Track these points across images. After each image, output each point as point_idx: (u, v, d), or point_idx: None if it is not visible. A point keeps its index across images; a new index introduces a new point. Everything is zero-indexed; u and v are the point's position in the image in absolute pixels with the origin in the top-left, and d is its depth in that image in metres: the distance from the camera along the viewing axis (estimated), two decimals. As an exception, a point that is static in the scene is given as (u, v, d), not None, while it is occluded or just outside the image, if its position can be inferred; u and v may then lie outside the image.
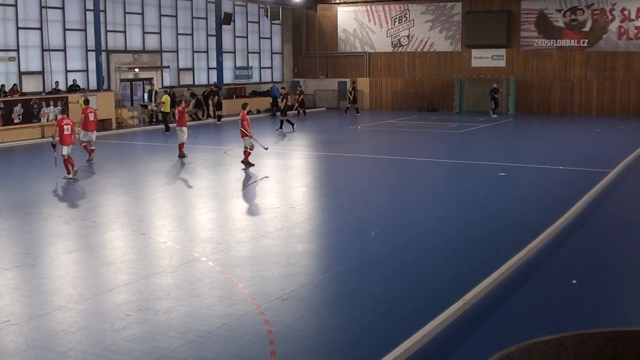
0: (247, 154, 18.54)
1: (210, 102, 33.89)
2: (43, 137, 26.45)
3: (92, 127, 20.18)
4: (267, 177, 17.67)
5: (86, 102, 21.31)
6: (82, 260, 10.23)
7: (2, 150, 23.55)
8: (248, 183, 17.08)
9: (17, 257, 10.19)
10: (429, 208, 13.92)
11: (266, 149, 19.54)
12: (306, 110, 36.37)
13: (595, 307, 8.33)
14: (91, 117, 20.36)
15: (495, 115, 34.81)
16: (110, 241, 11.38)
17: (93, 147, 20.09)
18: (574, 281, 9.10)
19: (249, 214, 13.65)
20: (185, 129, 20.76)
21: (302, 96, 36.46)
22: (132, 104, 33.13)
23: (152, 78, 33.69)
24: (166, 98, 29.12)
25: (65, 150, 17.02)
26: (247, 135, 18.55)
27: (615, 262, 10.29)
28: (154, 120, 31.68)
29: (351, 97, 36.90)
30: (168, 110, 28.99)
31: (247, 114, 19.46)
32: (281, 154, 22.77)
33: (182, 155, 20.46)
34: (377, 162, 21.03)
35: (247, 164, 18.46)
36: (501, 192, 15.71)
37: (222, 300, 8.34)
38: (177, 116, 20.89)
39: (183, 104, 21.70)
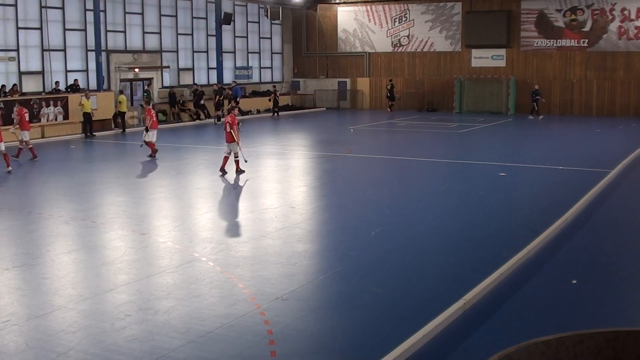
0: (237, 161, 17.49)
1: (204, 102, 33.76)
2: (43, 137, 26.46)
3: (27, 127, 20.79)
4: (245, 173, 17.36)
5: (21, 103, 21.81)
6: (82, 260, 10.23)
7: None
8: (243, 184, 17.09)
9: (17, 257, 10.19)
10: (429, 208, 13.91)
11: (246, 161, 17.93)
12: (279, 112, 36.61)
13: (595, 307, 8.32)
14: (27, 117, 20.96)
15: (532, 117, 33.83)
16: (110, 241, 11.38)
17: (30, 146, 20.65)
18: (574, 281, 9.10)
19: (249, 214, 13.65)
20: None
21: (274, 96, 36.71)
22: (132, 104, 33.11)
23: (152, 78, 33.71)
24: (122, 98, 28.91)
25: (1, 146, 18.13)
26: (235, 141, 17.40)
27: (615, 262, 10.29)
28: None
29: (390, 95, 38.26)
30: (125, 110, 28.87)
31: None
32: (281, 154, 22.78)
33: (154, 155, 20.51)
34: (377, 162, 21.03)
35: (241, 170, 17.45)
36: (501, 192, 15.71)
37: (222, 300, 8.34)
38: (151, 118, 20.73)
39: (151, 108, 21.51)
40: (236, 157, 17.50)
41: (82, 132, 27.46)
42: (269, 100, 37.06)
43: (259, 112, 37.67)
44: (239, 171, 17.44)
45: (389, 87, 38.89)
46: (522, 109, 36.97)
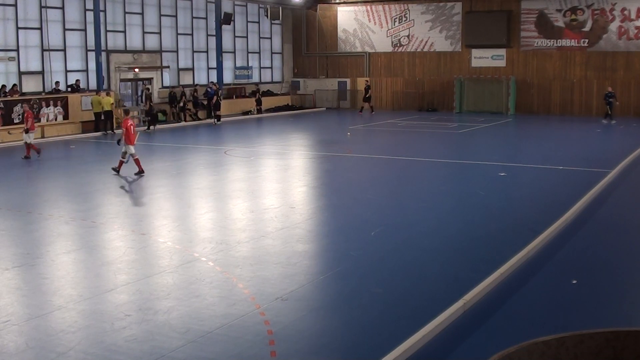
0: (121, 163, 17.58)
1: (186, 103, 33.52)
2: (43, 137, 26.47)
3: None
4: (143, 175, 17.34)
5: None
6: (82, 260, 10.22)
7: (2, 150, 23.54)
8: (133, 183, 17.06)
9: (17, 257, 10.19)
10: (429, 208, 13.91)
11: (126, 162, 17.82)
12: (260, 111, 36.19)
13: (595, 307, 8.32)
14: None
15: (605, 121, 31.30)
16: (110, 241, 11.38)
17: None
18: (574, 281, 9.10)
19: (249, 214, 13.65)
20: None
21: (259, 95, 36.93)
22: (132, 104, 33.13)
23: (152, 78, 33.72)
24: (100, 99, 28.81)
25: None
26: (132, 143, 17.43)
27: (615, 262, 10.29)
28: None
29: (367, 95, 37.98)
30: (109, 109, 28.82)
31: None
32: (281, 154, 22.78)
33: (28, 157, 20.49)
34: (377, 162, 21.02)
35: (117, 170, 17.54)
36: (501, 192, 15.70)
37: (222, 300, 8.34)
38: (32, 121, 20.82)
39: (31, 110, 21.64)
40: (135, 157, 17.49)
41: (102, 130, 28.01)
42: (255, 100, 37.24)
43: (259, 112, 37.70)
44: (142, 172, 17.39)
45: (367, 87, 38.32)
46: (522, 109, 36.99)
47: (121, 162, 17.59)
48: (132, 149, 17.41)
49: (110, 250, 10.72)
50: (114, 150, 24.53)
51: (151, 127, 29.30)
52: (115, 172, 17.59)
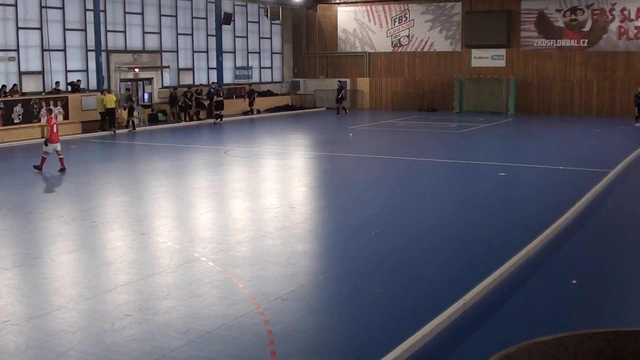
0: (44, 159, 17.99)
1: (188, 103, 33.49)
2: (43, 137, 26.47)
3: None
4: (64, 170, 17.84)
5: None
6: (82, 260, 10.22)
7: (2, 150, 23.53)
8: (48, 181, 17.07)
9: (17, 257, 10.19)
10: (429, 208, 13.91)
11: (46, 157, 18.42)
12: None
13: (595, 307, 8.32)
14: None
15: (639, 124, 30.00)
16: (110, 241, 11.38)
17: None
18: (574, 281, 9.10)
19: (249, 214, 13.65)
20: None
21: (255, 95, 36.81)
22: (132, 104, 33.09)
23: (152, 78, 33.73)
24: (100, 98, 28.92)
25: None
26: (55, 141, 18.00)
27: (615, 262, 10.29)
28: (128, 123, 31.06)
29: (339, 97, 37.60)
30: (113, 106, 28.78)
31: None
32: (281, 154, 22.78)
33: None
34: (377, 162, 21.02)
35: (41, 168, 17.96)
36: (501, 192, 15.70)
37: (222, 300, 8.34)
38: None
39: None
40: (60, 154, 18.09)
41: (108, 129, 28.08)
42: (250, 100, 37.26)
43: (258, 112, 37.70)
44: (64, 169, 18.02)
45: (340, 87, 37.96)
46: (522, 109, 36.99)
47: (43, 159, 18.02)
48: (58, 146, 18.02)
49: (110, 250, 10.72)
50: (114, 151, 24.57)
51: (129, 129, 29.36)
52: (37, 170, 17.98)
